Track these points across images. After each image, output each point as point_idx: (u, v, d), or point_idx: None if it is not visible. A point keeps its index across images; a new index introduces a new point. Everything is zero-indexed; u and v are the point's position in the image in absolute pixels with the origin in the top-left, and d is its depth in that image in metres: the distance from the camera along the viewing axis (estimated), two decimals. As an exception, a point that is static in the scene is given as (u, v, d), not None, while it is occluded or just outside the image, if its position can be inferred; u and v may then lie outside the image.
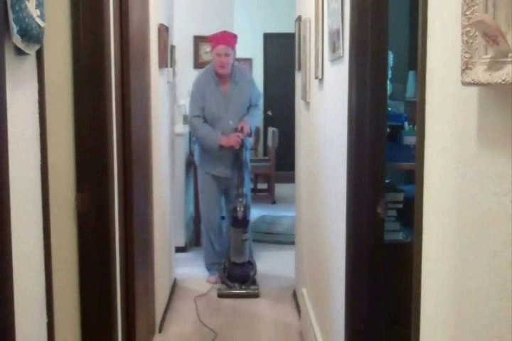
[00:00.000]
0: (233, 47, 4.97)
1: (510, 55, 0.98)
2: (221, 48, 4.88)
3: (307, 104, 3.99)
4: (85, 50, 2.34)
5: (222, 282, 4.92)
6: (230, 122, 4.92)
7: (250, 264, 4.95)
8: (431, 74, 1.48)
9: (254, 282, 4.93)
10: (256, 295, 4.79)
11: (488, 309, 1.14)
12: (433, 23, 1.47)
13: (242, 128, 4.91)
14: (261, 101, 5.27)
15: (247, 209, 4.92)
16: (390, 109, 3.94)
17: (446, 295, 1.38)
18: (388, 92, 3.09)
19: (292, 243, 5.21)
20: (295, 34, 4.62)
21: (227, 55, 4.89)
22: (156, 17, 3.96)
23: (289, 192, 5.53)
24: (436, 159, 1.45)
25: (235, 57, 5.03)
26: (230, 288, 4.85)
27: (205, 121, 4.94)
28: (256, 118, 5.18)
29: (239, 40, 5.13)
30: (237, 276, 4.87)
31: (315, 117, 3.65)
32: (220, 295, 4.78)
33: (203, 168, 5.14)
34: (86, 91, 2.37)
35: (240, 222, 4.90)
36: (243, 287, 4.83)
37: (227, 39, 4.96)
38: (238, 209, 4.90)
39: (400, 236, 2.79)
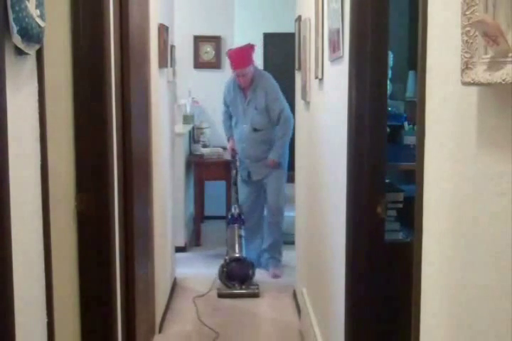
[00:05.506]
0: (248, 65, 5.17)
1: (510, 55, 0.98)
2: (237, 71, 5.22)
3: (307, 104, 3.99)
4: (85, 50, 2.34)
5: (221, 282, 4.91)
6: (244, 126, 5.28)
7: (250, 264, 4.94)
8: (431, 74, 1.48)
9: (253, 281, 4.94)
10: (256, 295, 4.79)
11: (488, 309, 1.14)
12: (433, 23, 1.47)
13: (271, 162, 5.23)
14: (284, 118, 5.18)
15: (242, 208, 5.30)
16: (390, 109, 3.95)
17: (446, 295, 1.38)
18: (388, 92, 3.09)
19: (292, 243, 5.21)
20: (295, 34, 4.62)
21: (243, 75, 5.19)
22: (156, 17, 3.96)
23: (289, 192, 5.55)
24: (436, 159, 1.45)
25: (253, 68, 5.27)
26: (229, 287, 4.84)
27: (231, 116, 5.51)
28: (280, 148, 5.23)
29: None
30: (235, 275, 4.86)
31: (315, 117, 3.65)
32: (220, 295, 4.78)
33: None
34: (86, 91, 2.37)
35: (236, 219, 5.19)
36: (243, 287, 4.84)
37: (240, 62, 5.16)
38: (233, 207, 5.30)
39: (399, 236, 2.79)
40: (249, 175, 5.39)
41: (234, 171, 5.60)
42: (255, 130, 5.24)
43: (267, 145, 5.24)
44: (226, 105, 5.49)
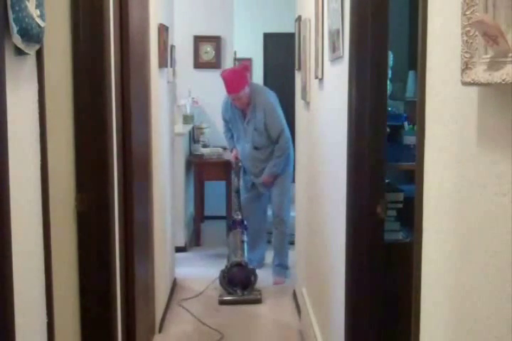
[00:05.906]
0: (242, 89, 5.04)
1: (510, 55, 0.98)
2: (231, 96, 5.13)
3: (307, 104, 3.99)
4: (85, 50, 2.34)
5: (223, 287, 4.83)
6: (246, 145, 5.28)
7: (252, 269, 4.86)
8: (431, 74, 1.48)
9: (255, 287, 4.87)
10: (258, 301, 4.68)
11: (488, 309, 1.14)
12: (433, 23, 1.47)
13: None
14: (284, 139, 5.16)
15: (242, 213, 5.27)
16: (390, 109, 3.95)
17: (446, 295, 1.38)
18: (388, 92, 3.09)
19: (292, 243, 5.20)
20: (295, 34, 4.62)
21: (238, 99, 5.10)
22: (156, 17, 3.96)
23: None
24: (436, 159, 1.45)
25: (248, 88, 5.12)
26: (230, 293, 4.73)
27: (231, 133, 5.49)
28: (274, 166, 5.20)
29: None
30: (237, 281, 4.77)
31: (315, 117, 3.65)
32: (222, 302, 4.65)
33: None
34: (86, 91, 2.37)
35: (238, 223, 5.13)
36: (245, 293, 4.72)
37: (233, 87, 5.04)
38: (235, 213, 5.24)
39: (399, 236, 2.79)
40: (253, 185, 5.40)
41: (236, 179, 5.57)
42: (256, 148, 5.25)
43: (268, 162, 5.25)
44: (226, 120, 5.45)
